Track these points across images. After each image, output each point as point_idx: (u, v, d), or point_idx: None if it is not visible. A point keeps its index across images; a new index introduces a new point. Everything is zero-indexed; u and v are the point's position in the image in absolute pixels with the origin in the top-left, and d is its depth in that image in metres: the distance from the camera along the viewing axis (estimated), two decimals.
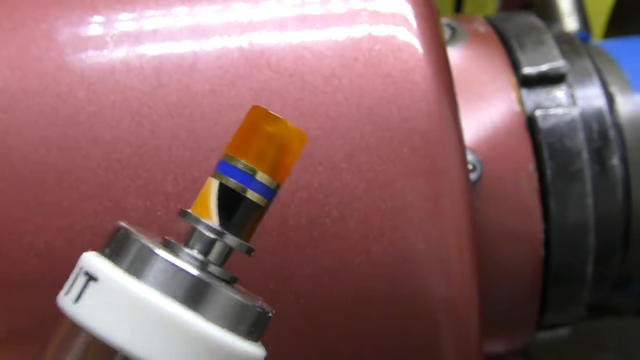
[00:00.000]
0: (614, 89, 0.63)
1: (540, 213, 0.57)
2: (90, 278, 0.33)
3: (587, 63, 0.63)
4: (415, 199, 0.45)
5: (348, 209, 0.45)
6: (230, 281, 0.36)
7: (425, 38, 0.47)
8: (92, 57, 0.46)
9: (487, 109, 0.58)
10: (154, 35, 0.46)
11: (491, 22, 0.65)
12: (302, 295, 0.46)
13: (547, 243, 0.58)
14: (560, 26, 0.69)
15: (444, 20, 0.63)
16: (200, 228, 0.34)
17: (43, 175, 0.44)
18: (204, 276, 0.33)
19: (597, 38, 0.81)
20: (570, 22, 0.74)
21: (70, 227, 0.44)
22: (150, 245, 0.33)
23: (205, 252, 0.34)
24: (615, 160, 0.59)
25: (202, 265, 0.34)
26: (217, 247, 0.34)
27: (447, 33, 0.62)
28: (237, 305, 0.34)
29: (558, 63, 0.60)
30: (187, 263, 0.33)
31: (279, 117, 0.34)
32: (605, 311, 0.95)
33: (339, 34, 0.47)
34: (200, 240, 0.34)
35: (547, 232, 0.58)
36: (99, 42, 0.46)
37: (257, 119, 0.34)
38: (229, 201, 0.34)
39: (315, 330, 0.46)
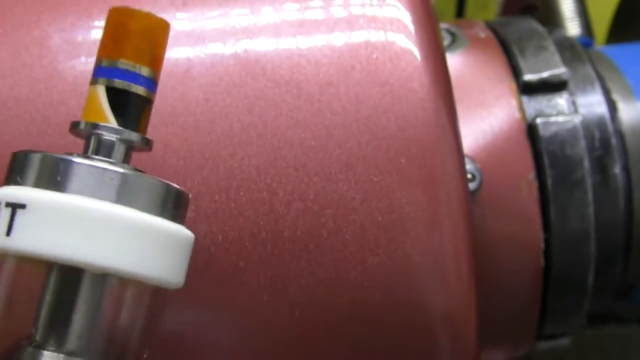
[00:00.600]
0: (616, 96, 0.62)
1: (540, 222, 0.57)
2: (16, 207, 0.33)
3: (589, 70, 0.62)
4: (413, 210, 0.45)
5: (344, 221, 0.44)
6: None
7: (423, 45, 0.46)
8: (85, 64, 0.45)
9: (487, 116, 0.57)
10: None
11: (492, 28, 0.64)
12: (297, 307, 0.45)
13: (547, 252, 0.57)
14: (562, 31, 0.68)
15: (444, 25, 0.63)
16: (100, 132, 0.35)
17: None
18: (124, 171, 0.34)
19: (600, 42, 0.80)
20: (573, 27, 0.74)
21: None
22: (62, 156, 0.34)
23: (108, 154, 0.35)
24: (617, 169, 0.59)
25: (114, 165, 0.35)
26: (120, 146, 0.35)
27: (447, 39, 0.61)
28: (160, 189, 0.36)
29: (559, 70, 0.59)
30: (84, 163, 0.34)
31: (141, 11, 0.35)
32: (608, 319, 0.95)
33: (336, 41, 0.46)
34: (101, 144, 0.35)
35: (547, 241, 0.57)
36: (92, 49, 0.45)
37: (122, 18, 0.35)
38: (119, 101, 0.35)
39: (311, 342, 0.46)
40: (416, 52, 0.46)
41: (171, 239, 0.36)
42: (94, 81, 0.35)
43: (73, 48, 0.45)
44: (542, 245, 0.57)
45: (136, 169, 0.36)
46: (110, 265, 0.33)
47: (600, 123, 0.59)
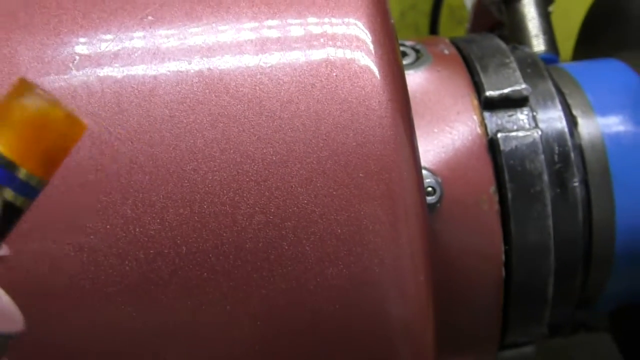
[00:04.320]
0: (576, 112, 0.64)
1: (500, 234, 0.58)
2: None
3: (549, 86, 0.63)
4: (371, 222, 0.46)
5: (304, 233, 0.46)
6: None
7: (382, 64, 0.48)
8: (54, 82, 0.46)
9: (450, 131, 0.59)
10: (115, 60, 0.47)
11: (456, 45, 0.66)
12: (258, 317, 0.46)
13: (508, 264, 0.59)
14: (525, 48, 0.70)
15: (409, 42, 0.64)
16: None
17: None
18: None
19: (566, 59, 0.82)
20: (538, 44, 0.75)
21: (30, 250, 0.45)
22: None
23: None
24: (575, 182, 0.60)
25: None
26: None
27: (411, 55, 0.62)
28: None
29: (520, 86, 0.61)
30: None
31: (55, 100, 0.27)
32: (577, 328, 0.97)
33: (297, 59, 0.47)
34: None
35: (507, 253, 0.59)
36: (60, 67, 0.47)
37: (23, 99, 0.27)
38: None
39: (272, 351, 0.47)
40: (375, 70, 0.47)
41: None
42: None
43: (42, 66, 0.47)
44: (503, 257, 0.59)
45: None
46: None
47: (559, 138, 0.61)
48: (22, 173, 0.27)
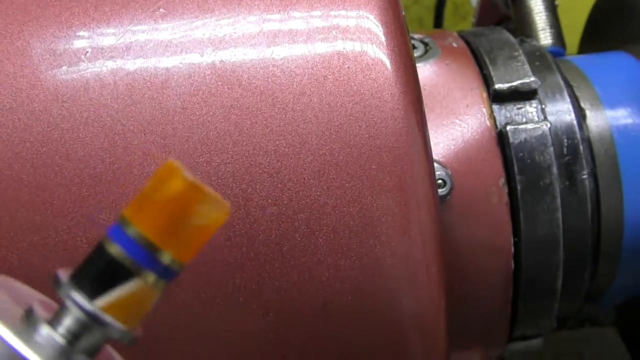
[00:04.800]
0: (584, 105, 0.64)
1: (510, 227, 0.58)
2: None
3: (558, 79, 0.64)
4: (383, 214, 0.46)
5: (317, 225, 0.46)
6: None
7: (394, 56, 0.48)
8: (66, 74, 0.47)
9: (459, 124, 0.59)
10: (127, 52, 0.47)
11: (464, 38, 0.66)
12: (271, 310, 0.46)
13: (517, 256, 0.59)
14: (533, 41, 0.70)
15: (418, 36, 0.64)
16: (70, 303, 0.27)
17: (17, 192, 0.45)
18: None
19: (572, 53, 0.82)
20: (545, 37, 0.75)
21: (43, 243, 0.45)
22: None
23: (75, 334, 0.27)
24: (584, 175, 0.60)
25: (61, 352, 0.27)
26: (90, 331, 0.27)
27: (420, 49, 0.62)
28: None
29: (529, 79, 0.61)
30: (35, 343, 0.26)
31: (201, 186, 0.27)
32: (583, 322, 0.97)
33: (310, 52, 0.48)
34: (71, 319, 0.27)
35: (517, 245, 0.59)
36: (73, 60, 0.47)
37: (173, 183, 0.27)
38: (115, 277, 0.27)
39: (285, 343, 0.47)
40: (387, 62, 0.48)
41: None
42: (104, 238, 0.27)
43: (54, 58, 0.47)
44: (512, 249, 0.59)
45: None
46: None
47: (568, 130, 0.61)
48: (165, 258, 0.27)
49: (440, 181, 0.56)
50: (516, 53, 0.63)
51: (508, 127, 0.59)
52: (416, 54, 0.62)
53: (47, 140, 0.45)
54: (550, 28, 0.76)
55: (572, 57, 0.73)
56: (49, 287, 0.28)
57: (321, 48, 0.48)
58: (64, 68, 0.47)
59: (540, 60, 0.65)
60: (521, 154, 0.58)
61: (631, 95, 0.65)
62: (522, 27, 0.78)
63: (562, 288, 0.61)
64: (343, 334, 0.47)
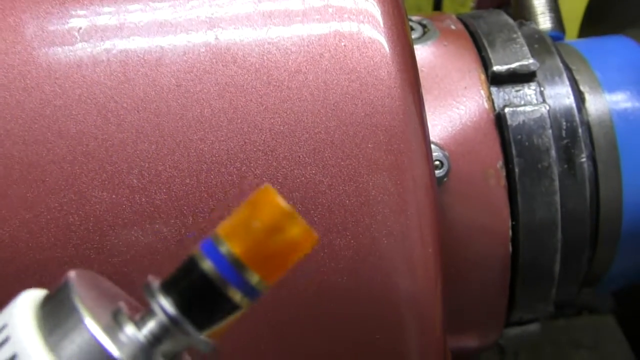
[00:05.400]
0: (583, 88, 0.64)
1: (508, 210, 0.58)
2: (6, 339, 0.29)
3: (557, 62, 0.63)
4: (379, 194, 0.46)
5: (312, 204, 0.46)
6: None
7: (391, 35, 0.47)
8: (59, 51, 0.46)
9: (457, 106, 0.58)
10: (121, 30, 0.47)
11: (463, 21, 0.65)
12: None
13: (514, 240, 0.59)
14: (532, 25, 0.69)
15: (416, 18, 0.64)
16: (158, 309, 0.29)
17: (8, 168, 0.44)
18: None
19: (571, 38, 0.81)
20: (544, 21, 0.75)
21: (35, 220, 0.44)
22: (83, 311, 0.28)
23: (157, 337, 0.29)
24: (583, 158, 0.60)
25: (144, 352, 0.29)
26: (172, 337, 0.29)
27: (418, 30, 0.62)
28: None
29: (527, 61, 0.60)
30: (120, 342, 0.28)
31: (294, 213, 0.28)
32: (581, 309, 0.96)
33: (305, 29, 0.47)
34: (156, 322, 0.29)
35: (514, 229, 0.58)
36: (66, 37, 0.46)
37: (268, 208, 0.28)
38: (203, 290, 0.28)
39: (278, 323, 0.47)
40: (384, 41, 0.47)
41: None
42: (197, 251, 0.29)
43: (47, 35, 0.46)
44: (510, 233, 0.58)
45: None
46: None
47: (567, 113, 0.61)
48: (254, 279, 0.28)
49: (437, 162, 0.55)
50: (515, 35, 0.63)
51: (506, 110, 0.58)
52: (414, 35, 0.62)
53: (39, 117, 0.45)
54: (550, 12, 0.75)
55: (571, 41, 0.72)
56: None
57: (317, 26, 0.47)
58: (57, 45, 0.46)
59: (539, 43, 0.64)
60: (519, 137, 0.58)
61: (631, 79, 0.64)
62: (521, 11, 0.77)
63: (560, 272, 0.61)
64: (338, 314, 0.47)
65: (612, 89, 0.64)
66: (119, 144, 0.45)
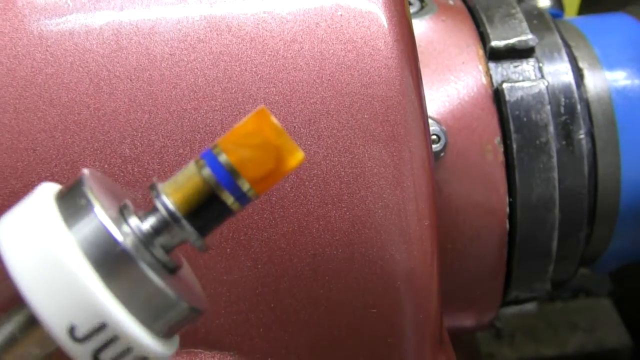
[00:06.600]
0: (582, 65, 0.63)
1: (505, 186, 0.57)
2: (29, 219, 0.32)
3: (556, 38, 0.62)
4: (375, 165, 0.45)
5: (307, 174, 0.45)
6: (171, 268, 0.34)
7: (388, 5, 0.47)
8: (51, 19, 0.45)
9: (454, 81, 0.58)
10: None
11: None
12: (259, 261, 0.45)
13: (512, 217, 0.58)
14: (532, 1, 0.68)
15: None
16: (160, 205, 0.33)
17: None
18: (130, 249, 0.31)
19: (570, 15, 0.80)
20: None
21: (25, 190, 0.44)
22: (92, 199, 0.32)
23: (156, 230, 0.33)
24: (581, 135, 0.59)
25: (144, 242, 0.32)
26: (170, 231, 0.33)
27: (416, 5, 0.61)
28: (162, 296, 0.32)
29: (526, 36, 0.60)
30: (126, 234, 0.32)
31: (281, 128, 0.32)
32: (577, 292, 0.96)
33: None
34: (156, 217, 0.33)
35: (512, 205, 0.58)
36: (58, 4, 0.46)
37: (262, 125, 0.32)
38: (200, 193, 0.32)
39: (272, 295, 0.46)
40: (380, 11, 0.46)
41: (132, 346, 0.32)
42: (198, 159, 0.33)
43: (39, 2, 0.45)
44: (507, 210, 0.58)
45: (168, 261, 0.33)
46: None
47: (566, 90, 0.60)
48: (245, 186, 0.32)
49: (434, 137, 0.54)
50: (514, 11, 0.62)
51: (504, 85, 0.58)
52: (412, 10, 0.61)
53: (30, 85, 0.44)
54: None
55: (571, 17, 0.72)
56: None
57: None
58: (49, 12, 0.45)
59: (538, 19, 0.63)
60: (517, 112, 0.57)
61: (630, 56, 0.64)
62: None
63: (558, 250, 0.60)
64: (333, 287, 0.46)
65: (611, 65, 0.63)
66: (112, 113, 0.44)
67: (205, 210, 0.32)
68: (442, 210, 0.56)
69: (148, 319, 0.32)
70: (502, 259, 0.60)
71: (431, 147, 0.48)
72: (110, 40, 0.45)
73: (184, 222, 0.32)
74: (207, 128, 0.44)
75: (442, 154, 0.55)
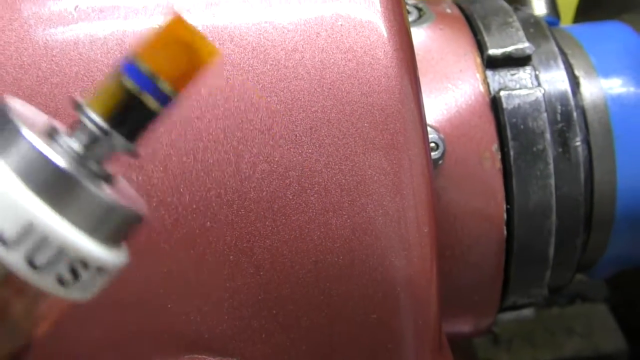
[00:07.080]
0: (578, 73, 0.64)
1: (502, 193, 0.58)
2: None
3: (552, 46, 0.63)
4: (375, 173, 0.46)
5: (308, 183, 0.46)
6: (105, 179, 0.34)
7: (388, 15, 0.47)
8: (56, 29, 0.46)
9: (452, 89, 0.59)
10: (118, 8, 0.46)
11: (458, 4, 0.65)
12: (261, 268, 0.46)
13: (509, 223, 0.59)
14: (528, 9, 0.69)
15: (412, 1, 0.64)
16: (87, 121, 0.33)
17: None
18: (66, 168, 0.31)
19: (566, 23, 0.81)
20: (539, 7, 0.75)
21: None
22: (19, 125, 0.31)
23: (87, 146, 0.33)
24: (577, 142, 0.60)
25: (77, 158, 0.32)
26: (100, 144, 0.33)
27: (413, 14, 0.62)
28: (98, 203, 0.32)
29: (523, 45, 0.60)
30: (58, 152, 0.32)
31: (194, 29, 0.33)
32: (574, 298, 0.97)
33: (302, 9, 0.47)
34: (85, 133, 0.33)
35: (509, 212, 0.58)
36: (63, 15, 0.46)
37: (173, 27, 0.32)
38: (123, 101, 0.32)
39: (275, 302, 0.47)
40: (380, 21, 0.47)
41: (85, 259, 0.32)
42: (116, 71, 0.33)
43: (44, 12, 0.46)
44: (504, 216, 0.58)
45: (102, 171, 0.34)
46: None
47: (562, 97, 0.61)
48: (162, 84, 0.32)
49: (432, 144, 0.55)
50: (510, 19, 0.63)
51: (501, 93, 0.58)
52: (410, 19, 0.62)
53: (35, 95, 0.45)
54: None
55: (567, 26, 0.73)
56: None
57: (314, 5, 0.47)
58: (54, 22, 0.46)
59: (534, 27, 0.64)
60: (514, 120, 0.58)
61: (626, 65, 0.65)
62: None
63: (554, 256, 0.61)
64: (333, 293, 0.47)
65: (607, 73, 0.64)
66: None
67: (130, 117, 0.33)
68: (440, 217, 0.56)
69: (83, 223, 0.32)
70: (500, 265, 0.60)
71: (430, 155, 0.48)
72: (114, 50, 0.46)
73: (113, 132, 0.33)
74: (210, 136, 0.45)
75: (440, 162, 0.56)
